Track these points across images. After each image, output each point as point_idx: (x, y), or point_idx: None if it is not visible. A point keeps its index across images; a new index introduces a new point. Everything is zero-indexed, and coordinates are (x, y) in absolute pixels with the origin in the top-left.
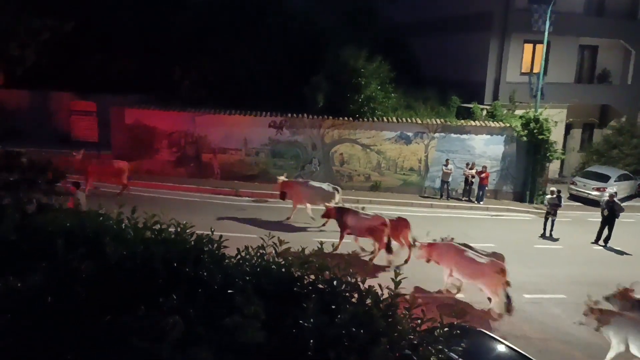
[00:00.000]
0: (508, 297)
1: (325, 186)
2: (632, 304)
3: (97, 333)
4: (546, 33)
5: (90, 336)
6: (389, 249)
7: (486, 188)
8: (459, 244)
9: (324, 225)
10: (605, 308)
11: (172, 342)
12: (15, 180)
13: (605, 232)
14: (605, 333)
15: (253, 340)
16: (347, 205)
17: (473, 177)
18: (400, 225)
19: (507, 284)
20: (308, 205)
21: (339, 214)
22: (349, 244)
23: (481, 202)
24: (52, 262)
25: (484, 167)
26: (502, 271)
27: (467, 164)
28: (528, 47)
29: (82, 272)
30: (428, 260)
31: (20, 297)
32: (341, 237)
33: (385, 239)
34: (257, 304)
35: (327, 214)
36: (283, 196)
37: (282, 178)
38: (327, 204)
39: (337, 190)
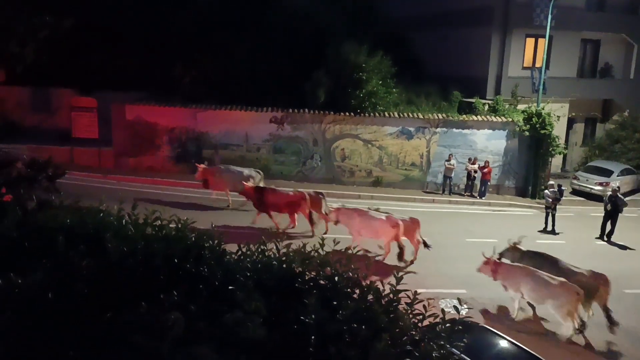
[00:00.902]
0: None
1: (247, 170)
2: (520, 255)
3: (98, 330)
4: (548, 27)
5: (91, 333)
6: (311, 221)
7: (488, 183)
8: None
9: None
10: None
11: (173, 339)
12: (15, 177)
13: (609, 226)
14: (501, 283)
15: (254, 336)
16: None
17: (475, 172)
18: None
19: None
20: (228, 190)
21: (258, 193)
22: (349, 241)
23: (483, 198)
24: (53, 259)
25: (486, 162)
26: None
27: (470, 159)
28: (530, 42)
29: (83, 269)
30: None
31: (21, 294)
32: (271, 217)
33: (307, 212)
34: (258, 299)
35: (245, 194)
36: (206, 185)
37: (202, 166)
38: (245, 183)
39: (259, 173)
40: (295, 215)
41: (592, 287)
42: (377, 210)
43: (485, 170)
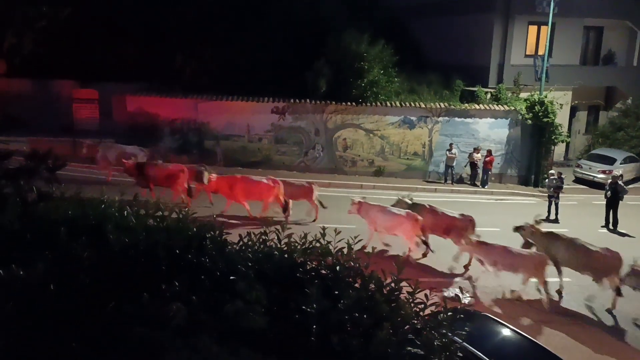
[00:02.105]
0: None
1: (130, 148)
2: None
3: (100, 321)
4: (551, 14)
5: (93, 324)
6: (189, 194)
7: (490, 172)
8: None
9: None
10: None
11: (175, 329)
12: (16, 169)
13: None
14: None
15: (255, 326)
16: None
17: (478, 160)
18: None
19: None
20: (110, 168)
21: (139, 169)
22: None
23: (486, 187)
24: (55, 250)
25: (489, 150)
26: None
27: (475, 149)
28: (532, 29)
29: (85, 261)
30: None
31: (24, 286)
32: (151, 190)
33: (185, 185)
34: (259, 289)
35: (127, 171)
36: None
37: (87, 141)
38: (125, 161)
39: (143, 150)
40: (179, 188)
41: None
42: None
43: (487, 159)
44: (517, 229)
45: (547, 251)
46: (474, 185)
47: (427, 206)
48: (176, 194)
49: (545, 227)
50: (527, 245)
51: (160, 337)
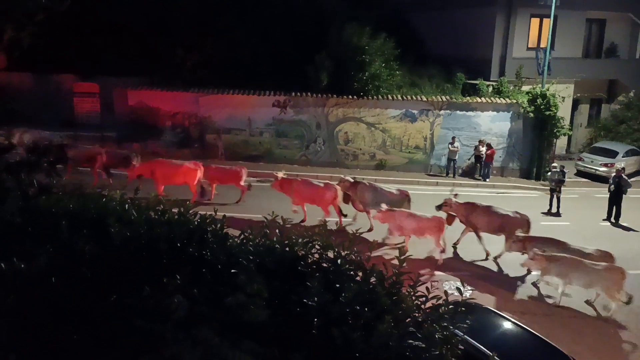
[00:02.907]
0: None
1: (47, 133)
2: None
3: (101, 314)
4: (553, 7)
5: (94, 317)
6: (108, 174)
7: (491, 165)
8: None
9: None
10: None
11: (176, 322)
12: (17, 162)
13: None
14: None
15: (256, 319)
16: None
17: (483, 153)
18: (403, 198)
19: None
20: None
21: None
22: (351, 226)
23: (487, 180)
24: (57, 244)
25: (489, 144)
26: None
27: (480, 141)
28: (535, 22)
29: (87, 254)
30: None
31: (25, 279)
32: (69, 171)
33: (101, 166)
34: (260, 282)
35: None
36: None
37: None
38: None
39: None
40: (97, 169)
41: (516, 225)
42: (456, 196)
43: (488, 152)
44: (439, 207)
45: (467, 219)
46: (481, 178)
47: (367, 183)
48: (95, 176)
49: (547, 221)
50: (450, 219)
51: (162, 329)
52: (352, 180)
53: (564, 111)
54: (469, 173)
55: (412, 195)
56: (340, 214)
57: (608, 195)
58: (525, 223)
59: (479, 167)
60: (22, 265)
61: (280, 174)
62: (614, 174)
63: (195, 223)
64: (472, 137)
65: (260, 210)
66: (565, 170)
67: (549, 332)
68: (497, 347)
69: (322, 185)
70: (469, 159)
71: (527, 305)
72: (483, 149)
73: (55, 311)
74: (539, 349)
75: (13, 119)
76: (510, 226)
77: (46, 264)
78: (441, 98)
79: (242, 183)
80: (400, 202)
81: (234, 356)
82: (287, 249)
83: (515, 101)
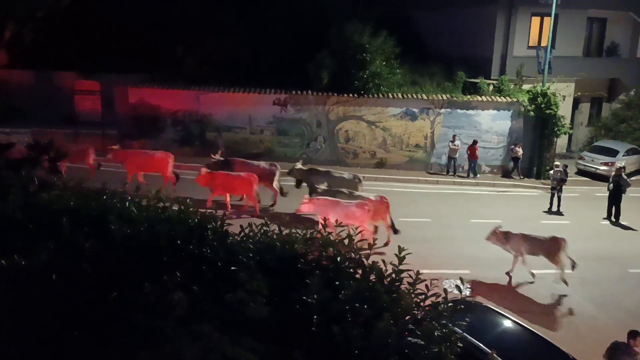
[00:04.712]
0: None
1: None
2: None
3: (102, 310)
4: (554, 5)
5: (95, 313)
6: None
7: (477, 162)
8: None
9: None
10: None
11: (177, 319)
12: (18, 159)
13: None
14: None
15: (256, 315)
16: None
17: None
18: (273, 170)
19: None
20: None
21: None
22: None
23: (476, 177)
24: (58, 241)
25: (475, 140)
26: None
27: (516, 144)
28: (535, 20)
29: (87, 251)
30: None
31: (26, 275)
32: None
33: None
34: (260, 279)
35: None
36: None
37: None
38: None
39: None
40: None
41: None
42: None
43: (473, 147)
44: (289, 172)
45: (311, 183)
46: (518, 177)
47: (240, 160)
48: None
49: (547, 220)
50: (298, 183)
51: (162, 325)
52: (304, 168)
53: (564, 110)
54: (506, 174)
55: (413, 194)
56: (257, 201)
57: (608, 194)
58: (275, 169)
59: (516, 168)
60: (23, 262)
61: (205, 169)
62: (614, 172)
63: (196, 220)
64: (472, 136)
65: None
66: (567, 169)
67: (548, 331)
68: (498, 345)
69: (243, 175)
70: (510, 163)
71: (527, 304)
72: (519, 150)
73: (55, 307)
74: (539, 348)
75: (14, 117)
76: (265, 174)
77: (47, 261)
78: (442, 96)
79: (168, 172)
80: (272, 174)
81: (234, 352)
82: (287, 246)
83: (515, 100)
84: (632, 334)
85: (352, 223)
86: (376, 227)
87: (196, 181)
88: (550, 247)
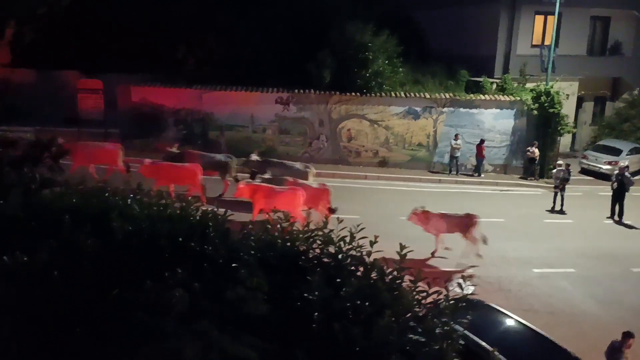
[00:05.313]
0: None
1: None
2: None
3: (103, 308)
4: (557, 4)
5: (96, 311)
6: None
7: (484, 161)
8: None
9: None
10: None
11: (177, 316)
12: (20, 157)
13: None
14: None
15: (256, 312)
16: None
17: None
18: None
19: None
20: None
21: None
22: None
23: (476, 175)
24: (59, 238)
25: (482, 139)
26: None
27: (532, 144)
28: (539, 19)
29: (89, 248)
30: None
31: (28, 273)
32: None
33: None
34: (260, 276)
35: None
36: None
37: None
38: None
39: None
40: None
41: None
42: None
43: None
44: (245, 162)
45: (267, 172)
46: (534, 179)
47: (197, 152)
48: None
49: (550, 218)
50: (253, 174)
51: (162, 323)
52: (260, 159)
53: (568, 109)
54: (523, 173)
55: (413, 193)
56: (203, 191)
57: (611, 193)
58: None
59: (532, 169)
60: (25, 259)
61: (148, 160)
62: (617, 171)
63: (197, 218)
64: (475, 135)
65: None
66: (571, 168)
67: (551, 330)
68: (500, 343)
69: (187, 165)
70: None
71: (530, 302)
72: (536, 150)
73: (56, 305)
74: (542, 346)
75: (16, 116)
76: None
77: (48, 258)
78: (444, 95)
79: (119, 163)
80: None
81: (234, 349)
82: (288, 244)
83: (519, 98)
84: (626, 335)
85: (285, 208)
86: (309, 212)
87: (140, 172)
88: (465, 224)
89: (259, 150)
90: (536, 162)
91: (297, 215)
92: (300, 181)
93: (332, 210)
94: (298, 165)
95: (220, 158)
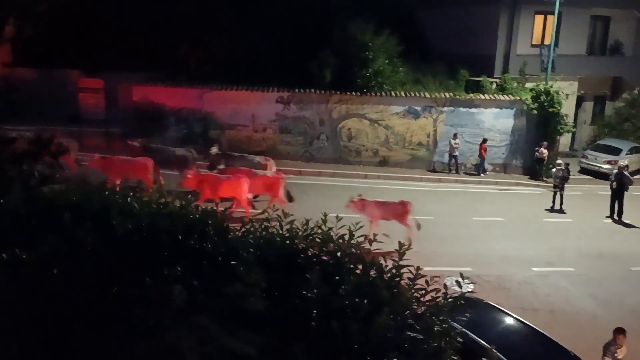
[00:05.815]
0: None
1: None
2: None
3: (103, 304)
4: (557, 3)
5: (96, 307)
6: None
7: (484, 161)
8: None
9: None
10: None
11: (175, 311)
12: (20, 153)
13: (617, 204)
14: None
15: (254, 308)
16: None
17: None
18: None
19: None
20: None
21: None
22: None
23: (482, 175)
24: (60, 235)
25: (485, 139)
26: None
27: (541, 144)
28: (539, 19)
29: (89, 245)
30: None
31: (28, 269)
32: None
33: None
34: (258, 272)
35: None
36: None
37: None
38: None
39: None
40: None
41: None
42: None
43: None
44: (206, 157)
45: (221, 164)
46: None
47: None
48: None
49: (550, 218)
50: (211, 166)
51: (161, 318)
52: (219, 152)
53: (567, 108)
54: (532, 173)
55: (413, 192)
56: (158, 182)
57: (610, 192)
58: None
59: (540, 169)
60: (25, 256)
61: (98, 155)
62: (616, 170)
63: (197, 216)
64: (475, 134)
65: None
66: (570, 168)
67: (550, 328)
68: (499, 342)
69: (138, 160)
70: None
71: (529, 301)
72: (544, 151)
73: (56, 301)
74: (541, 345)
75: (18, 114)
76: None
77: (48, 255)
78: (444, 95)
79: (71, 157)
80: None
81: (231, 344)
82: (287, 241)
83: (518, 98)
84: (617, 331)
85: (231, 195)
86: (254, 197)
87: (89, 167)
88: (400, 211)
89: (218, 144)
90: (544, 162)
91: (242, 200)
92: (260, 171)
93: (290, 199)
94: (258, 158)
95: (180, 152)
